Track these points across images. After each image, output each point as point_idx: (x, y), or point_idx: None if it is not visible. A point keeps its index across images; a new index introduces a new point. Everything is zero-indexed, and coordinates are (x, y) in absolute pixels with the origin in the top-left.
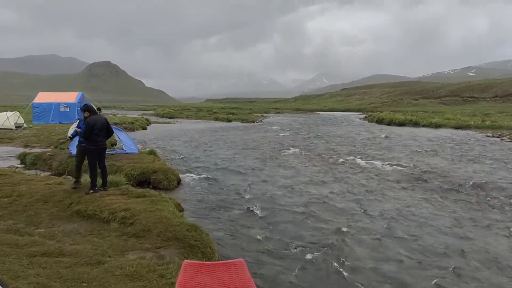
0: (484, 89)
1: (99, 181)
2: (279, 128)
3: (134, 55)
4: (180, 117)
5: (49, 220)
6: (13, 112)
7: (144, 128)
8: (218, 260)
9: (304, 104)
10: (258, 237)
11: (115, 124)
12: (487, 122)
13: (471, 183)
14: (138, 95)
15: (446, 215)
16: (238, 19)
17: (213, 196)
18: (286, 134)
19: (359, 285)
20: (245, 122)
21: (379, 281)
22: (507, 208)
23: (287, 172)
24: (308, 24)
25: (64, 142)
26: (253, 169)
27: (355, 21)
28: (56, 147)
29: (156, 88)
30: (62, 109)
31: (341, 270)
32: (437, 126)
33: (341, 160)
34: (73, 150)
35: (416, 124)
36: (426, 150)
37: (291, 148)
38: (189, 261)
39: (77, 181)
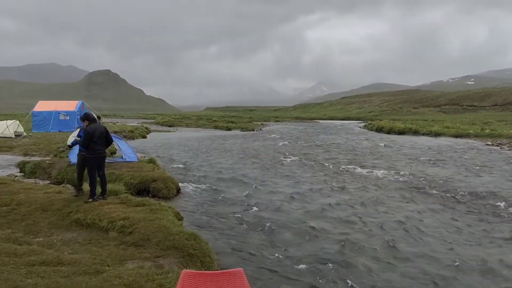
0: (483, 98)
1: (98, 189)
2: (279, 136)
3: (134, 63)
4: (180, 126)
5: (48, 229)
6: (13, 120)
7: (144, 137)
8: (217, 270)
9: (304, 112)
10: (258, 246)
11: (115, 132)
12: (487, 131)
13: (471, 192)
14: (138, 103)
15: (447, 225)
16: (238, 28)
17: (213, 205)
18: (286, 142)
19: None
20: (245, 131)
21: None
22: (507, 217)
23: (287, 181)
24: (308, 33)
25: (63, 151)
26: (252, 178)
27: (354, 30)
28: (55, 156)
29: (156, 96)
30: (62, 117)
31: (342, 280)
32: (437, 134)
33: (341, 169)
34: (73, 158)
35: (415, 132)
36: (426, 159)
37: (290, 156)
38: (188, 270)
39: (79, 189)
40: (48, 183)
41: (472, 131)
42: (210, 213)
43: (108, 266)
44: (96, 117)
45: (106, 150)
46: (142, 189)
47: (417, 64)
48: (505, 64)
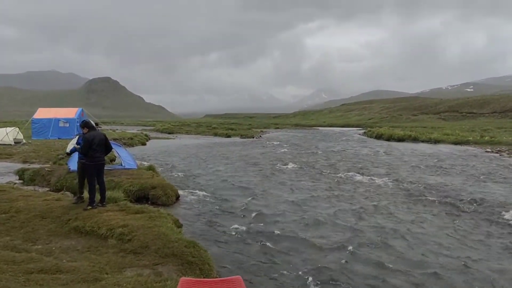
0: (482, 105)
1: (98, 197)
2: (279, 143)
3: (134, 70)
4: (179, 133)
5: (47, 236)
6: (13, 127)
7: (144, 144)
8: (216, 277)
9: (304, 119)
10: (257, 254)
11: (114, 139)
12: (486, 138)
13: (471, 199)
14: (138, 110)
15: (446, 232)
16: (238, 35)
17: (212, 212)
18: (286, 149)
19: None
20: (244, 138)
21: None
22: (505, 223)
23: (287, 188)
24: (307, 40)
25: (63, 158)
26: (252, 185)
27: (353, 38)
28: (54, 163)
29: (155, 103)
30: (61, 124)
31: None
32: (436, 141)
33: (340, 176)
34: (72, 165)
35: (415, 139)
36: (425, 166)
37: (290, 164)
38: (186, 278)
39: (80, 197)
40: (47, 190)
41: (471, 138)
42: (210, 220)
43: (107, 273)
44: (94, 124)
45: (106, 157)
46: (141, 196)
47: (416, 71)
48: (504, 71)
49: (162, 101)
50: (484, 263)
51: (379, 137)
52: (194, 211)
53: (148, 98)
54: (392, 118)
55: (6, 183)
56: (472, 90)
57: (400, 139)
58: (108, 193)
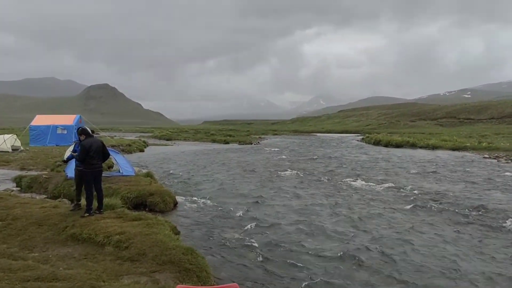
0: (480, 111)
1: (95, 204)
2: (277, 150)
3: (132, 77)
4: (177, 139)
5: (44, 244)
6: (10, 135)
7: (142, 150)
8: (213, 285)
9: (302, 126)
10: (254, 262)
11: (112, 146)
12: (484, 144)
13: (471, 206)
14: (136, 117)
15: (447, 239)
16: (236, 42)
17: (210, 219)
18: (284, 156)
19: None
20: (243, 144)
21: None
22: (507, 231)
23: (285, 195)
24: (305, 47)
25: (60, 165)
26: (250, 192)
27: (351, 44)
28: (52, 170)
29: (154, 110)
30: (59, 131)
31: None
32: (434, 147)
33: (339, 182)
34: (70, 173)
35: (413, 145)
36: (424, 172)
37: (288, 170)
38: (183, 285)
39: (77, 204)
40: (45, 198)
41: (469, 144)
42: (207, 227)
43: (104, 281)
44: (90, 132)
45: (103, 164)
46: (139, 203)
47: (414, 78)
48: (501, 77)
49: (160, 107)
50: (485, 269)
51: (377, 143)
52: (192, 218)
53: (146, 105)
54: (390, 124)
55: (3, 190)
56: (469, 96)
57: (398, 145)
58: (106, 200)
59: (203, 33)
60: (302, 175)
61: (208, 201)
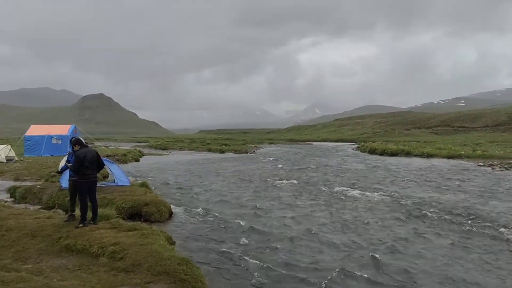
0: (474, 119)
1: (89, 214)
2: (273, 159)
3: (128, 87)
4: (173, 149)
5: (37, 255)
6: (5, 145)
7: (137, 160)
8: None
9: (297, 134)
10: (250, 272)
11: (107, 156)
12: (478, 152)
13: (465, 213)
14: (132, 127)
15: (442, 247)
16: (232, 51)
17: (205, 229)
18: (280, 165)
19: None
20: (238, 153)
21: None
22: (499, 237)
23: (281, 204)
24: (301, 56)
25: (55, 175)
26: (246, 201)
27: (346, 53)
28: (46, 180)
29: (149, 119)
30: (54, 141)
31: None
32: (429, 156)
33: (335, 191)
34: (64, 183)
35: (408, 154)
36: (420, 181)
37: (284, 179)
38: None
39: (71, 215)
40: (39, 208)
41: (464, 152)
42: (203, 237)
43: None
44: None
45: (98, 174)
46: (134, 213)
47: (409, 86)
48: (494, 86)
49: (156, 117)
50: (481, 277)
51: (372, 151)
52: (187, 228)
53: (142, 115)
54: (385, 132)
55: None
56: (463, 104)
57: (393, 154)
58: (100, 211)
59: (199, 42)
60: (298, 184)
61: (204, 211)
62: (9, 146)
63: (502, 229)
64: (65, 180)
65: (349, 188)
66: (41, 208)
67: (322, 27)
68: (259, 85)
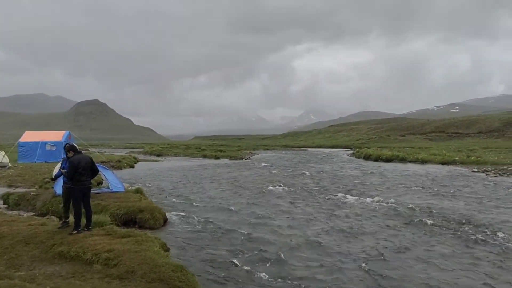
0: (468, 125)
1: (83, 221)
2: (268, 165)
3: (123, 93)
4: (168, 155)
5: (31, 262)
6: None
7: (132, 166)
8: None
9: (293, 140)
10: (244, 278)
11: (102, 162)
12: (472, 158)
13: (460, 219)
14: (127, 133)
15: (439, 253)
16: (227, 57)
17: (200, 236)
18: (275, 171)
19: None
20: (234, 159)
21: None
22: (493, 243)
23: (276, 211)
24: (296, 62)
25: (49, 182)
26: (241, 207)
27: (341, 60)
28: (40, 187)
29: (144, 126)
30: (48, 148)
31: None
32: (424, 161)
33: (330, 197)
34: (58, 189)
35: (403, 160)
36: (414, 187)
37: (280, 185)
38: None
39: (65, 221)
40: (32, 215)
41: (458, 158)
42: (198, 244)
43: None
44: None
45: (92, 181)
46: (129, 220)
47: (403, 93)
48: (488, 92)
49: (151, 123)
50: (475, 283)
51: (367, 157)
52: (182, 235)
53: (137, 121)
54: (380, 138)
55: None
56: (457, 111)
57: (388, 160)
58: (94, 217)
59: (194, 48)
60: (293, 191)
61: (199, 218)
62: (3, 153)
63: (498, 234)
64: (59, 187)
65: (344, 195)
66: (35, 215)
67: (317, 33)
68: (254, 91)
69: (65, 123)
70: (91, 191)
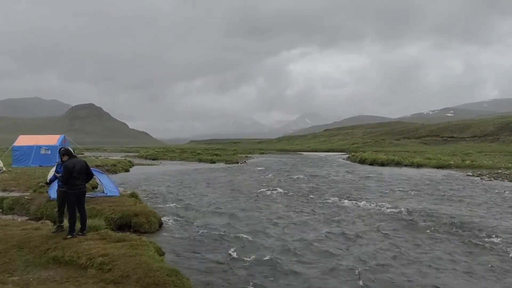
0: (462, 129)
1: (78, 225)
2: (263, 168)
3: (118, 97)
4: (163, 159)
5: (24, 267)
6: None
7: (127, 170)
8: None
9: (288, 144)
10: (240, 283)
11: (97, 166)
12: (467, 162)
13: (455, 223)
14: (122, 137)
15: (433, 257)
16: (222, 62)
17: (196, 240)
18: (270, 175)
19: None
20: (229, 163)
21: None
22: (489, 247)
23: (272, 215)
24: (291, 66)
25: (43, 186)
26: (237, 212)
27: (336, 64)
28: (35, 191)
29: (140, 129)
30: (43, 152)
31: None
32: (419, 165)
33: (325, 201)
34: (52, 194)
35: (398, 164)
36: (409, 190)
37: (275, 189)
38: None
39: (59, 226)
40: (27, 219)
41: (453, 162)
42: (193, 248)
43: None
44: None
45: (87, 185)
46: (124, 224)
47: (398, 97)
48: (482, 96)
49: (146, 127)
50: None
51: (362, 161)
52: (177, 239)
53: (132, 125)
54: (375, 142)
55: None
56: (452, 115)
57: (384, 164)
58: (89, 221)
59: (189, 52)
60: (289, 194)
61: (194, 221)
62: None
63: (493, 238)
64: (53, 191)
65: (340, 199)
66: (29, 219)
67: (312, 38)
68: (250, 95)
69: (60, 127)
70: (86, 195)
